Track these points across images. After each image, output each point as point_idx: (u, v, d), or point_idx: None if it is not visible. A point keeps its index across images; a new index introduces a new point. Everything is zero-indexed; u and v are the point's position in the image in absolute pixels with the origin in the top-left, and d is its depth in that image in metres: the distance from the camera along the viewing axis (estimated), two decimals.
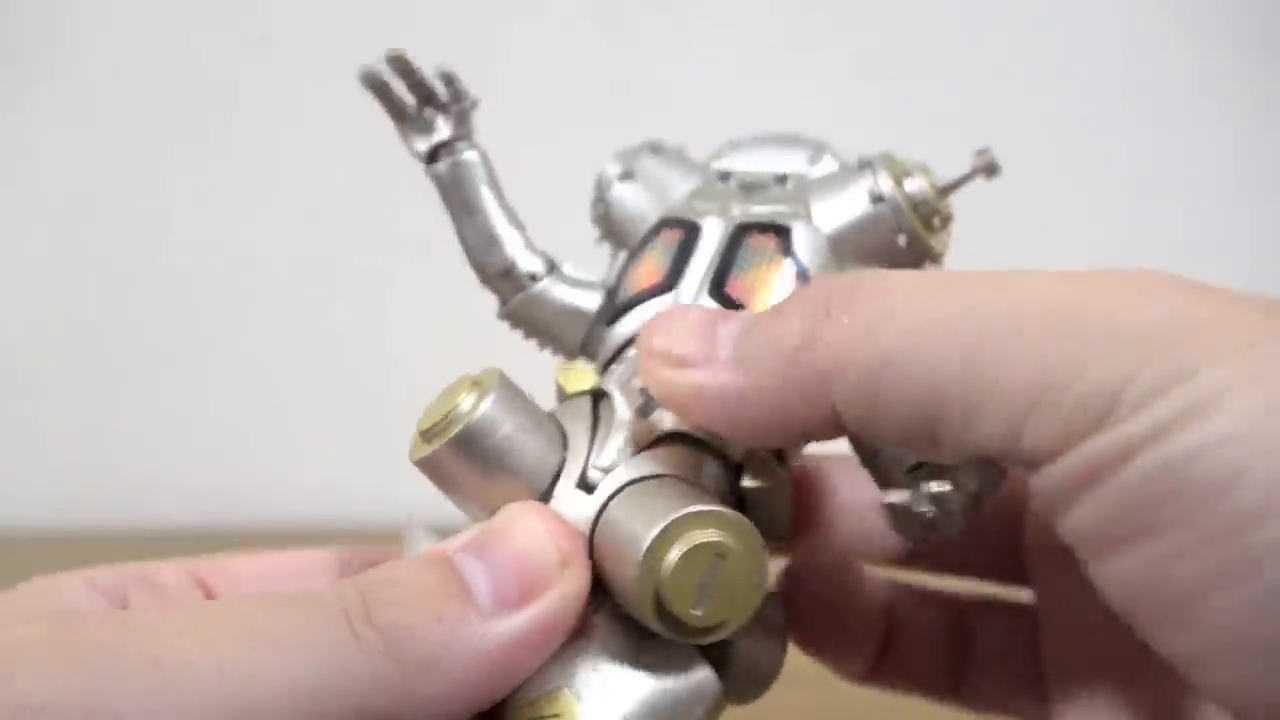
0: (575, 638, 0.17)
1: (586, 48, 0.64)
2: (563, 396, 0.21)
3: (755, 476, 0.19)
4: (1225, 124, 0.66)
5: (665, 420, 0.19)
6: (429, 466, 0.19)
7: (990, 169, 0.20)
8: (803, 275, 0.20)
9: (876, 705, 0.34)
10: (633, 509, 0.17)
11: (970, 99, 0.66)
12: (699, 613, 0.16)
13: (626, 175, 0.23)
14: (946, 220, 0.21)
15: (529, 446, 0.18)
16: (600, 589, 0.18)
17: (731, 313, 0.18)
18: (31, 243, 0.63)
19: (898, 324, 0.16)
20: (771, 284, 0.19)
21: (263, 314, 0.64)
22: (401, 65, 0.22)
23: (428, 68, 0.22)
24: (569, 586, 0.17)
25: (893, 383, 0.16)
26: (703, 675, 0.17)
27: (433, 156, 0.22)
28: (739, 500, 0.19)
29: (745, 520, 0.17)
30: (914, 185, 0.20)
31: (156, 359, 0.64)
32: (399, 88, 0.22)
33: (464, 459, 0.18)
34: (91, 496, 0.63)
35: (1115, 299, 0.16)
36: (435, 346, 0.65)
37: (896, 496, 0.18)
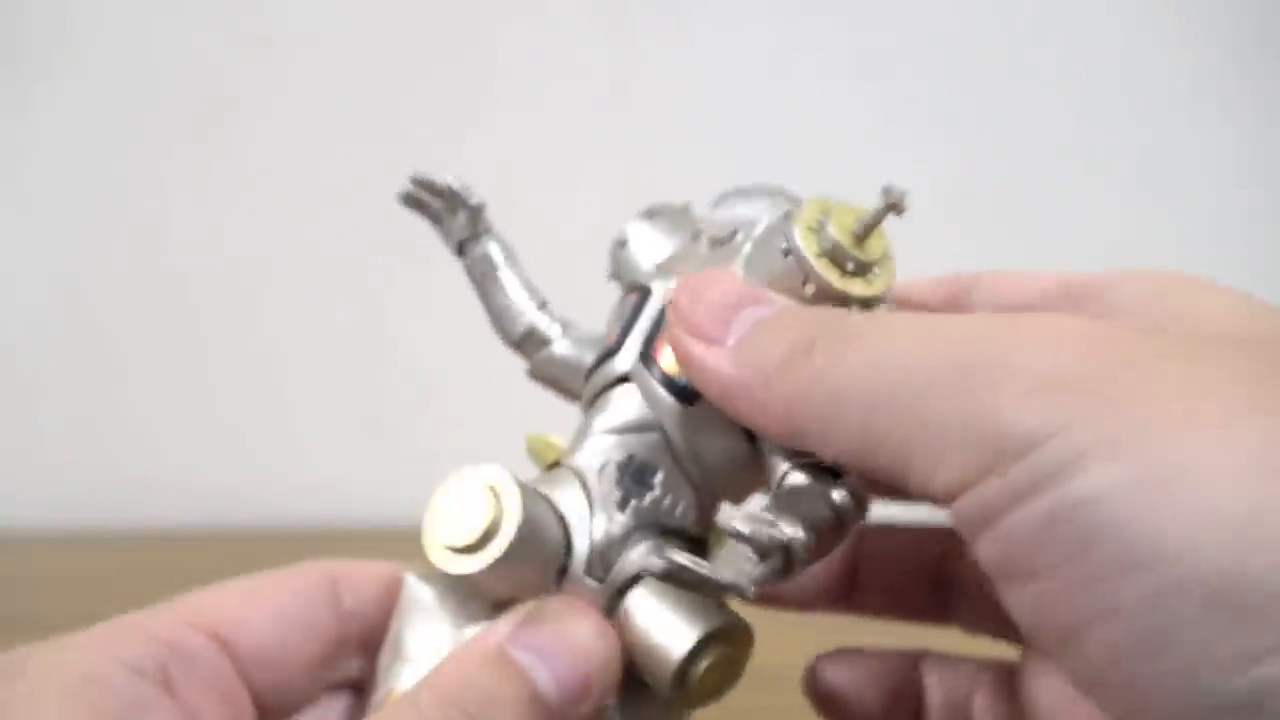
0: None
1: (587, 48, 0.64)
2: (535, 462, 0.23)
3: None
4: (1225, 124, 0.66)
5: (651, 509, 0.22)
6: (470, 581, 0.20)
7: (897, 207, 0.20)
8: None
9: None
10: (653, 617, 0.21)
11: (970, 99, 0.66)
12: (707, 697, 0.21)
13: (622, 243, 0.25)
14: (868, 264, 0.21)
15: (546, 539, 0.21)
16: None
17: (756, 295, 0.20)
18: (32, 243, 0.63)
19: (848, 369, 0.18)
20: None
21: (263, 314, 0.64)
22: (423, 182, 0.25)
23: (445, 180, 0.25)
24: (614, 674, 0.20)
25: (836, 420, 0.18)
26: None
27: (461, 250, 0.25)
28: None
29: (744, 623, 0.21)
30: (825, 234, 0.21)
31: (156, 359, 0.64)
32: (429, 199, 0.25)
33: (501, 569, 0.20)
34: (91, 496, 0.64)
35: (1031, 349, 0.17)
36: (435, 346, 0.65)
37: (740, 524, 0.19)
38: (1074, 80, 0.66)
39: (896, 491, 0.19)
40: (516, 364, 0.26)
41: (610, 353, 0.23)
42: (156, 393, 0.64)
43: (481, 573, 0.20)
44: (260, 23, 0.63)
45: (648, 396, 0.22)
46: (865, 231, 0.21)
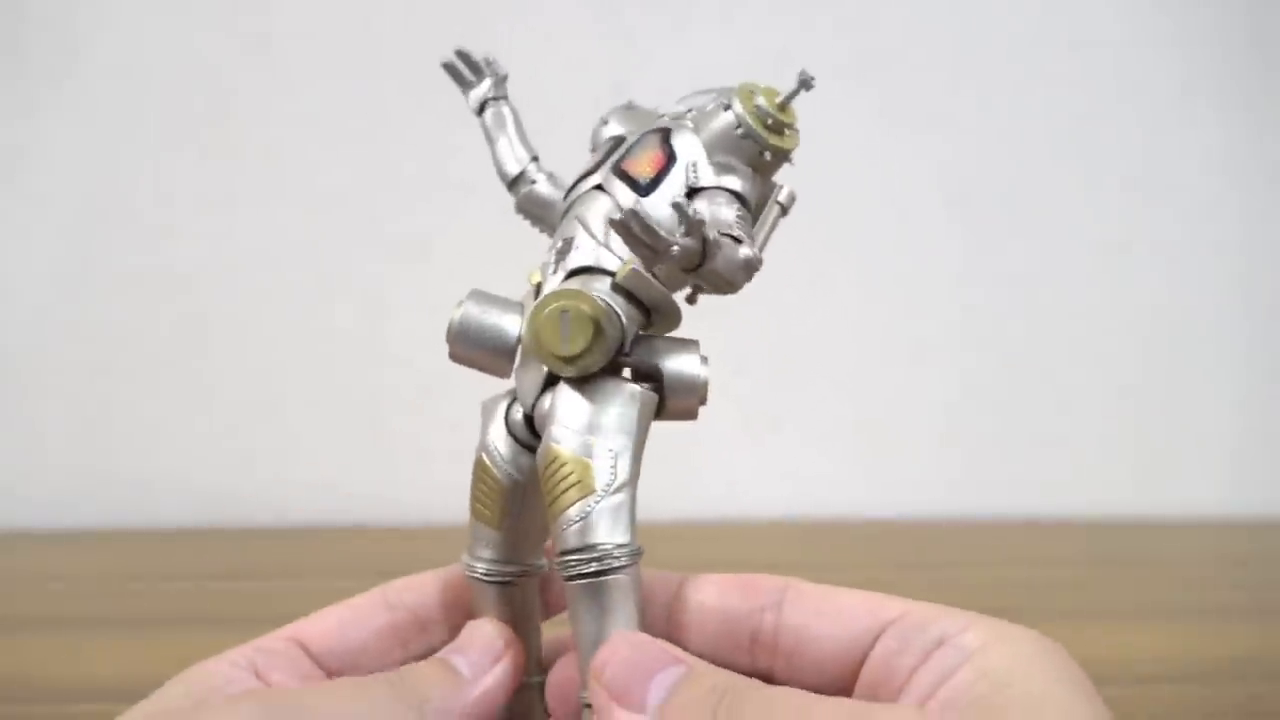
0: (555, 415, 0.26)
1: (586, 47, 0.64)
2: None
3: (619, 273, 0.27)
4: (1218, 125, 0.67)
5: (574, 260, 0.27)
6: (455, 359, 0.28)
7: (806, 83, 0.28)
8: (671, 155, 0.29)
9: None
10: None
11: (969, 99, 0.66)
12: (567, 344, 0.26)
13: (604, 121, 0.33)
14: (789, 124, 0.29)
15: (502, 322, 0.28)
16: (553, 378, 0.27)
17: (667, 657, 0.25)
18: (34, 243, 0.64)
19: None
20: (649, 159, 0.29)
21: (263, 314, 0.64)
22: (463, 55, 0.33)
23: (478, 54, 0.33)
24: (510, 660, 0.28)
25: None
26: (632, 388, 0.27)
27: (481, 109, 0.33)
28: (628, 296, 0.27)
29: (583, 292, 0.26)
30: (759, 102, 0.29)
31: (156, 359, 0.64)
32: (464, 69, 0.33)
33: (466, 344, 0.28)
34: (91, 496, 0.64)
35: None
36: (435, 346, 0.65)
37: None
38: (1069, 82, 0.66)
39: None
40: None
41: (587, 174, 0.29)
42: (156, 393, 0.65)
43: (452, 354, 0.28)
44: (261, 25, 0.63)
45: (616, 194, 0.28)
46: (785, 103, 0.28)
